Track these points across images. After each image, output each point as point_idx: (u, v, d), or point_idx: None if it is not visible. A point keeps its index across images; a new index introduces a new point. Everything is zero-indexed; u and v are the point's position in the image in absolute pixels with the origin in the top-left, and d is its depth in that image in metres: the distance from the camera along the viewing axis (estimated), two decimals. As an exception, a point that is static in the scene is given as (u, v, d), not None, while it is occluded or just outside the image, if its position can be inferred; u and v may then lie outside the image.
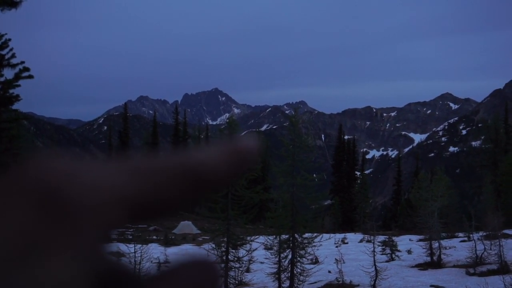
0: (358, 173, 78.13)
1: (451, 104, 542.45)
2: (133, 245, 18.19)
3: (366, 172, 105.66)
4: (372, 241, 20.80)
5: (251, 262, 25.34)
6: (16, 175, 0.24)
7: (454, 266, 23.97)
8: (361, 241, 38.53)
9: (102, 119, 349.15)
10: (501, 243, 21.85)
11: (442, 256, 25.00)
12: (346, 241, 38.48)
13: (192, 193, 0.31)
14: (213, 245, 15.62)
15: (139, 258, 17.90)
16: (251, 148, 0.32)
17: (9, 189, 0.23)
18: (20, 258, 0.22)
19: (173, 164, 0.30)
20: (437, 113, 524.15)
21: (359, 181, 71.72)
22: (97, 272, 0.28)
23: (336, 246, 35.03)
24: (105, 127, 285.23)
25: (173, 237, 39.33)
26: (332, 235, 42.49)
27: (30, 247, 0.22)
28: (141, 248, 18.25)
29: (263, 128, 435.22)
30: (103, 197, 0.26)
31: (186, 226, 45.41)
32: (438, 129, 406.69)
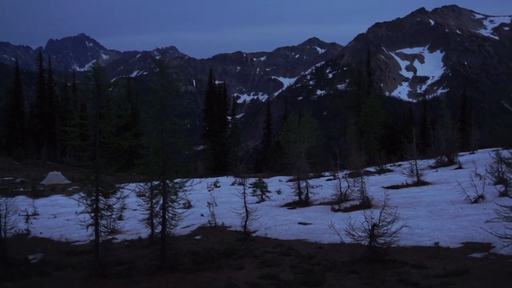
0: (230, 118, 78.80)
1: (318, 49, 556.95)
2: (-3, 198, 17.40)
3: (238, 116, 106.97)
4: (243, 183, 21.24)
5: (123, 209, 25.19)
6: None
7: (320, 204, 25.07)
8: (233, 184, 39.23)
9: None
10: (363, 180, 23.14)
11: (310, 195, 26.04)
12: (218, 184, 39.03)
13: None
14: (83, 195, 15.27)
15: (4, 211, 17.16)
16: None
17: None
18: None
19: None
20: (305, 57, 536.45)
21: (230, 126, 72.48)
22: None
23: (209, 190, 35.53)
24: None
25: (41, 188, 38.04)
26: (204, 179, 43.03)
27: None
28: (6, 201, 17.48)
29: (133, 75, 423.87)
30: None
31: (55, 177, 44.08)
32: (306, 73, 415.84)
